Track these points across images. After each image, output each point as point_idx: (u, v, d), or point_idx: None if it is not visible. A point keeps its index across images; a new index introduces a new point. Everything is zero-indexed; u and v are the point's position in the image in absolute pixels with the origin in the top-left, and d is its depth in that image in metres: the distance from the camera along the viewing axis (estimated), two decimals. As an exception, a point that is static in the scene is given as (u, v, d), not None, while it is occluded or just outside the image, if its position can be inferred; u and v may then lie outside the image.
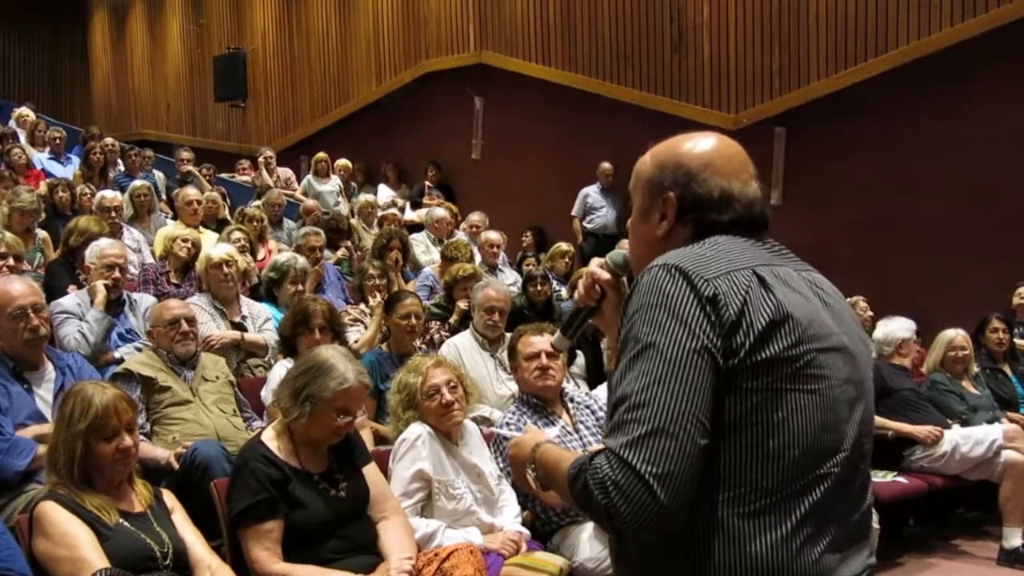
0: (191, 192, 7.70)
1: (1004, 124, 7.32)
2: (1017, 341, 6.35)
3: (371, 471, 3.20)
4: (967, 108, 7.56)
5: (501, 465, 3.70)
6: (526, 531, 3.52)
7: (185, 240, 5.99)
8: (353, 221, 8.79)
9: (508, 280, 7.15)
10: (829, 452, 1.47)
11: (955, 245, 7.66)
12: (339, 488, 3.05)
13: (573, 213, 9.77)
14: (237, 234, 6.54)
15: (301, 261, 5.70)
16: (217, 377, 4.15)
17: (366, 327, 5.36)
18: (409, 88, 11.91)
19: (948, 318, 6.10)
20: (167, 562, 2.70)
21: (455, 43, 11.19)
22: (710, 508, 1.43)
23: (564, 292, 7.02)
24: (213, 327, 4.88)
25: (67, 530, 2.57)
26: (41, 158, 9.86)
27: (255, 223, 7.31)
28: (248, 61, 14.03)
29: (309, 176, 10.70)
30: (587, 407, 3.92)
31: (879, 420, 5.06)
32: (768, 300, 1.45)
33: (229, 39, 14.35)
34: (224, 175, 11.28)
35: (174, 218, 8.10)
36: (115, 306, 4.80)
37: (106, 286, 4.69)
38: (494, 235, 7.77)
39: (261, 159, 10.63)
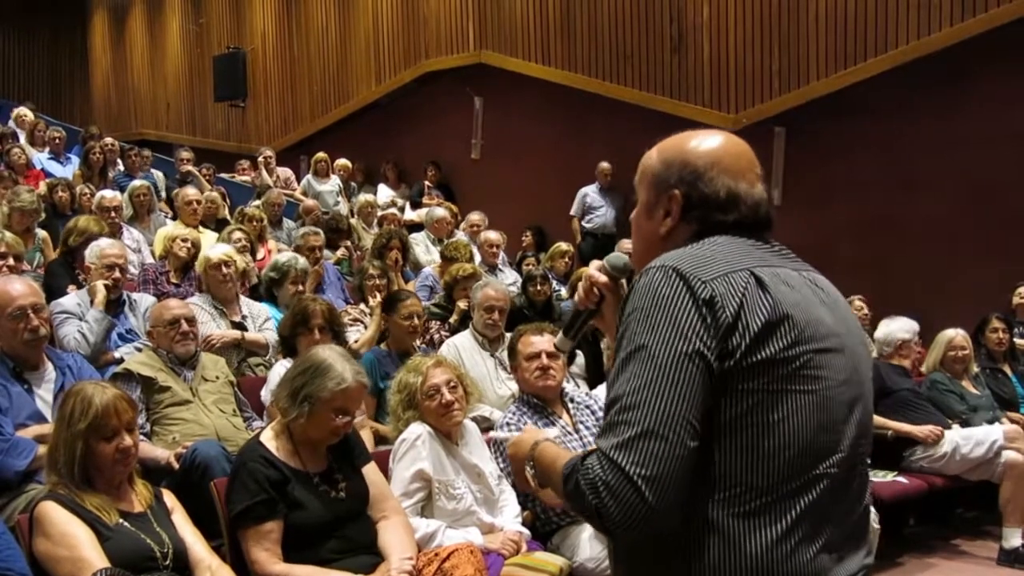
0: (191, 192, 7.70)
1: (1004, 124, 7.32)
2: (1017, 341, 6.35)
3: (371, 471, 3.19)
4: (967, 108, 7.56)
5: (501, 465, 3.70)
6: (526, 531, 3.52)
7: (185, 240, 5.99)
8: (353, 221, 8.79)
9: (508, 280, 7.15)
10: (826, 453, 1.47)
11: (955, 245, 7.66)
12: (338, 488, 3.05)
13: (572, 213, 9.77)
14: (237, 234, 6.54)
15: (302, 261, 5.71)
16: (217, 377, 4.15)
17: (366, 327, 5.36)
18: (409, 88, 11.91)
19: (948, 318, 6.10)
20: (167, 562, 2.69)
21: (455, 43, 11.19)
22: (705, 508, 1.43)
23: (564, 292, 7.02)
24: (213, 327, 4.88)
25: (67, 530, 2.57)
26: (41, 158, 9.86)
27: (255, 223, 7.31)
28: (248, 61, 14.03)
29: (309, 176, 10.70)
30: (587, 407, 3.92)
31: (879, 420, 5.07)
32: (765, 301, 1.44)
33: (229, 39, 14.35)
34: (224, 175, 11.28)
35: (174, 218, 8.09)
36: (115, 306, 4.80)
37: (106, 286, 4.69)
38: (494, 235, 7.77)
39: (261, 159, 10.63)
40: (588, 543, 3.46)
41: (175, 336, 4.07)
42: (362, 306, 5.69)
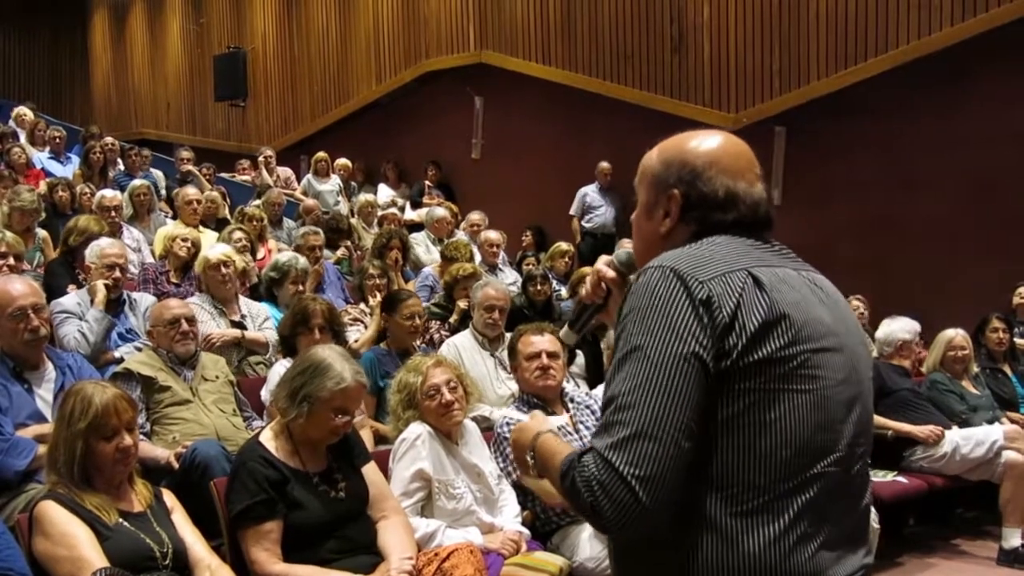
0: (191, 192, 7.70)
1: (1004, 124, 7.32)
2: (1017, 341, 6.35)
3: (370, 471, 3.19)
4: (967, 108, 7.56)
5: (501, 465, 3.70)
6: (526, 531, 3.52)
7: (185, 239, 5.99)
8: (353, 221, 8.79)
9: (508, 280, 7.16)
10: (824, 452, 1.47)
11: (955, 245, 7.66)
12: (338, 488, 3.05)
13: (571, 212, 9.77)
14: (237, 234, 6.54)
15: (302, 261, 5.71)
16: (217, 377, 4.15)
17: (366, 327, 5.36)
18: (409, 88, 11.91)
19: (948, 318, 6.10)
20: (167, 562, 2.69)
21: (455, 42, 11.19)
22: (703, 507, 1.44)
23: (564, 292, 7.02)
24: (213, 326, 4.88)
25: (67, 530, 2.57)
26: (41, 157, 9.86)
27: (255, 222, 7.31)
28: (248, 60, 14.03)
29: (309, 176, 10.71)
30: (587, 407, 3.92)
31: (879, 420, 5.07)
32: (761, 301, 1.45)
33: (229, 38, 14.35)
34: (224, 175, 11.29)
35: (174, 217, 8.10)
36: (115, 306, 4.80)
37: (106, 286, 4.69)
38: (494, 235, 7.77)
39: (261, 158, 10.63)
40: (588, 543, 3.46)
41: (175, 336, 4.07)
42: (362, 306, 5.69)
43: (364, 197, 9.70)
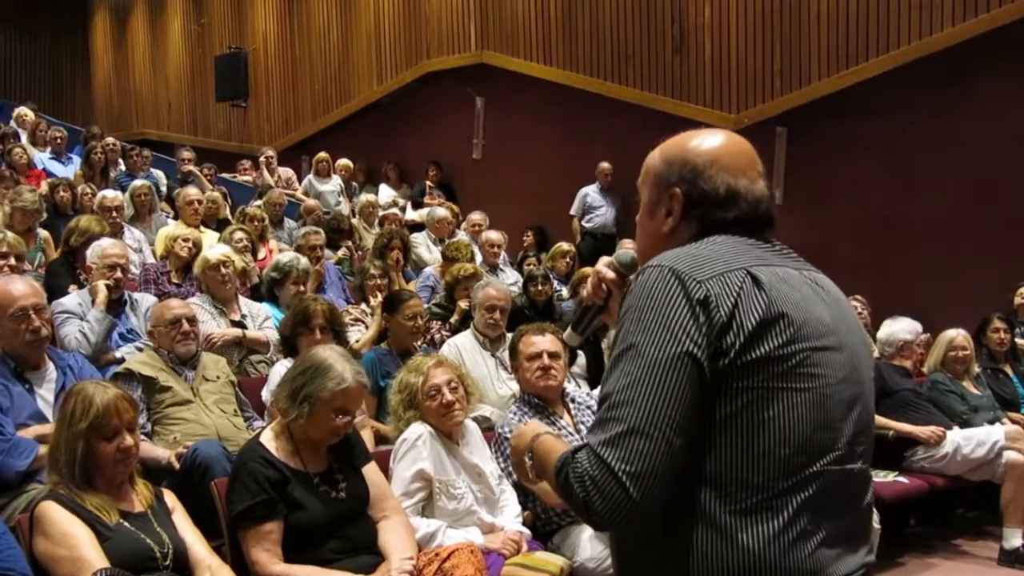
0: (192, 192, 7.70)
1: (1006, 124, 7.32)
2: (1018, 341, 6.34)
3: (371, 471, 3.19)
4: (969, 108, 7.56)
5: (502, 465, 3.70)
6: (527, 531, 3.52)
7: (186, 240, 6.00)
8: (354, 221, 8.80)
9: (509, 280, 7.16)
10: (823, 450, 1.47)
11: (956, 245, 7.66)
12: (338, 488, 3.05)
13: (572, 212, 9.77)
14: (238, 234, 6.54)
15: (303, 261, 5.71)
16: (218, 377, 4.15)
17: (367, 327, 5.36)
18: (410, 88, 11.91)
19: (949, 318, 6.10)
20: (167, 562, 2.69)
21: (456, 43, 11.19)
22: (702, 505, 1.45)
23: (565, 292, 7.02)
24: (214, 326, 4.88)
25: (67, 530, 2.57)
26: (42, 158, 9.87)
27: (256, 223, 7.31)
28: (249, 61, 14.04)
29: (310, 176, 10.71)
30: (588, 407, 3.92)
31: (881, 420, 5.06)
32: (760, 299, 1.45)
33: (230, 39, 14.36)
34: (225, 175, 11.30)
35: (175, 218, 8.10)
36: (116, 306, 4.81)
37: (107, 286, 4.70)
38: (495, 235, 7.78)
39: (262, 159, 10.64)
40: (588, 543, 3.46)
41: (176, 336, 4.07)
42: (363, 306, 5.70)
43: (365, 197, 9.70)
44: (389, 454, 3.51)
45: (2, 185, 7.61)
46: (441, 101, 11.57)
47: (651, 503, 1.40)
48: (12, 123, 11.02)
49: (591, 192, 9.70)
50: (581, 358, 5.41)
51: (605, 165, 9.58)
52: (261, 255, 6.97)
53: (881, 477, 5.04)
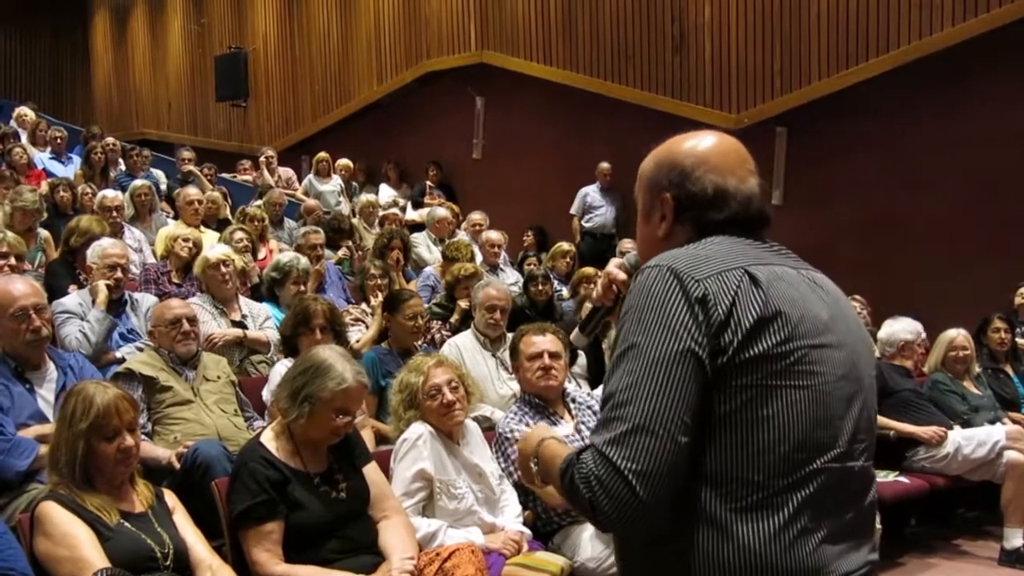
0: (192, 192, 7.70)
1: (1006, 124, 7.32)
2: (1019, 341, 6.34)
3: (371, 471, 3.19)
4: (969, 108, 7.56)
5: (502, 465, 3.70)
6: (527, 531, 3.52)
7: (186, 240, 6.00)
8: (354, 221, 8.80)
9: (509, 280, 7.16)
10: (823, 447, 1.48)
11: (957, 245, 7.66)
12: (339, 489, 3.05)
13: (572, 212, 9.77)
14: (238, 234, 6.54)
15: (304, 261, 5.71)
16: (218, 377, 4.15)
17: (367, 327, 5.36)
18: (410, 88, 11.91)
19: (949, 318, 6.09)
20: (168, 563, 2.69)
21: (456, 43, 11.19)
22: (703, 503, 1.45)
23: (565, 292, 7.02)
24: (214, 326, 4.88)
25: (67, 530, 2.57)
26: (42, 158, 9.87)
27: (256, 223, 7.31)
28: (249, 61, 14.04)
29: (310, 176, 10.71)
30: (588, 407, 3.92)
31: (882, 420, 5.06)
32: (757, 297, 1.46)
33: (230, 39, 14.36)
34: (225, 175, 11.30)
35: (175, 218, 8.10)
36: (117, 306, 4.81)
37: (108, 286, 4.69)
38: (495, 235, 7.78)
39: (262, 159, 10.64)
40: (589, 543, 3.46)
41: (176, 336, 4.07)
42: (363, 306, 5.70)
43: (365, 197, 9.70)
44: (389, 454, 3.51)
45: (2, 185, 7.61)
46: (441, 101, 11.57)
47: (658, 502, 1.40)
48: (12, 123, 11.02)
49: (591, 192, 9.70)
50: (582, 358, 5.41)
51: (605, 165, 9.58)
52: (261, 255, 6.97)
53: (882, 477, 5.04)
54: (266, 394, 4.26)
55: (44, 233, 6.65)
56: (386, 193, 11.11)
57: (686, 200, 1.60)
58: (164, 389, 3.91)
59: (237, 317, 5.06)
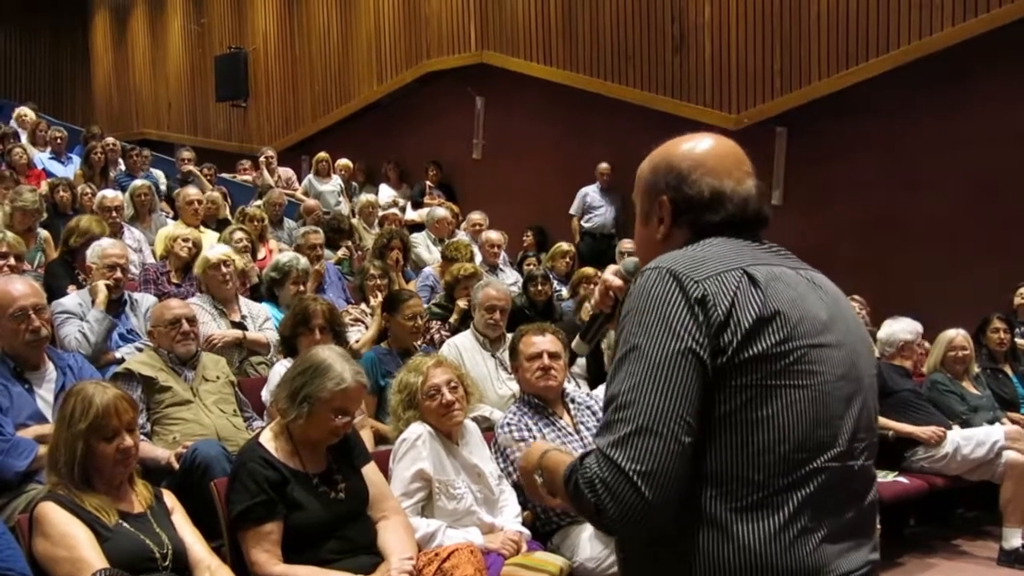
0: (192, 192, 7.70)
1: (1006, 124, 7.32)
2: (1018, 341, 6.34)
3: (370, 471, 3.19)
4: (969, 108, 7.55)
5: (501, 465, 3.70)
6: (526, 531, 3.52)
7: (186, 240, 5.99)
8: (354, 221, 8.80)
9: (509, 280, 7.16)
10: (823, 447, 1.48)
11: (956, 245, 7.66)
12: (338, 489, 3.05)
13: (572, 212, 9.78)
14: (238, 234, 6.54)
15: (303, 261, 5.71)
16: (218, 377, 4.15)
17: (367, 327, 5.36)
18: (410, 88, 11.91)
19: (949, 318, 6.10)
20: (166, 563, 2.69)
21: (456, 43, 11.19)
22: (703, 503, 1.45)
23: (565, 292, 7.02)
24: (214, 327, 4.88)
25: (66, 531, 2.57)
26: (42, 158, 9.87)
27: (256, 223, 7.31)
28: (249, 61, 14.04)
29: (310, 176, 10.71)
30: (588, 407, 3.92)
31: (881, 420, 5.04)
32: (756, 298, 1.46)
33: (230, 39, 14.36)
34: (225, 175, 11.30)
35: (175, 218, 8.10)
36: (116, 306, 4.80)
37: (107, 286, 4.69)
38: (495, 235, 7.78)
39: (262, 159, 10.64)
40: (588, 543, 3.46)
41: (176, 336, 4.07)
42: (363, 306, 5.69)
43: (365, 197, 9.70)
44: (389, 454, 3.51)
45: (2, 185, 7.61)
46: (441, 101, 11.57)
47: (664, 503, 1.40)
48: (12, 123, 11.02)
49: (591, 192, 9.70)
50: (581, 358, 5.41)
51: (604, 165, 9.58)
52: (261, 255, 6.97)
53: (881, 477, 5.04)
54: (265, 394, 4.26)
55: (44, 233, 6.65)
56: (386, 193, 11.12)
57: (683, 203, 1.61)
58: (163, 389, 3.91)
59: (237, 318, 5.05)
